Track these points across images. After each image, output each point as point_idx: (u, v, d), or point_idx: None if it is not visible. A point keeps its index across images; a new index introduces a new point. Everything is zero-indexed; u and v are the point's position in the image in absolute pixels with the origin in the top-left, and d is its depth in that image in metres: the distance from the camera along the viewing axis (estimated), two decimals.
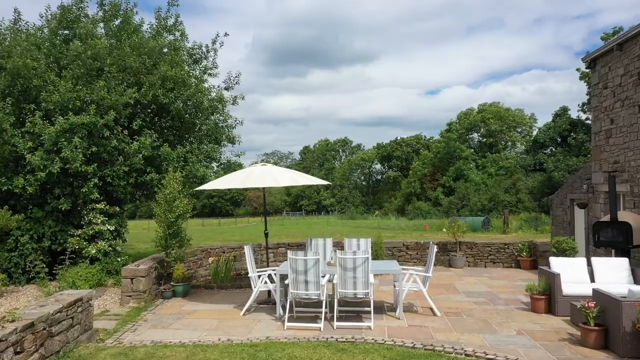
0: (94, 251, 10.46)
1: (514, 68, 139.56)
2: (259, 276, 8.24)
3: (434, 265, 13.62)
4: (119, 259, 10.82)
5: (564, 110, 47.76)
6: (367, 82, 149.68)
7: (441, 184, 52.88)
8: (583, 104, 43.65)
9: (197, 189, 9.29)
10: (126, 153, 10.60)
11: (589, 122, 43.40)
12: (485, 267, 13.01)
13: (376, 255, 12.72)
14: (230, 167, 14.24)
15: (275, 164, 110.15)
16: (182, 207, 9.48)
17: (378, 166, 79.53)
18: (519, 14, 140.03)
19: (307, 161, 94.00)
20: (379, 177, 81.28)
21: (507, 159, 50.55)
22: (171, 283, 9.36)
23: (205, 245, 12.79)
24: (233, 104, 13.47)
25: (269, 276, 8.13)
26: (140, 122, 10.98)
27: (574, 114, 46.73)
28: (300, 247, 13.73)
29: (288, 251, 7.17)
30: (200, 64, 13.26)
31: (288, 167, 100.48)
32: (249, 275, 8.22)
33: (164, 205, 9.32)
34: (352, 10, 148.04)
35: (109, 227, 10.86)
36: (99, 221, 10.70)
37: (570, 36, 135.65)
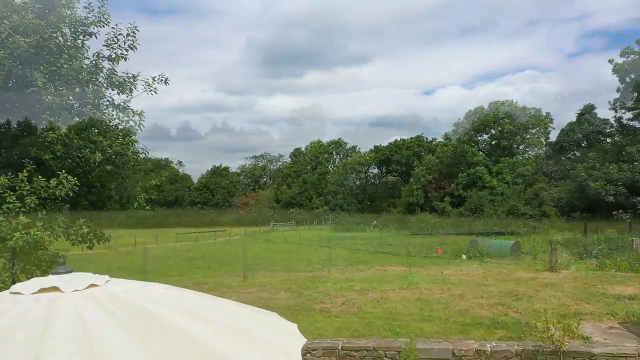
0: None
1: (508, 69, 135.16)
2: None
3: None
4: None
5: (590, 109, 41.85)
6: (362, 83, 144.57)
7: (449, 192, 46.59)
8: (615, 101, 37.68)
9: None
10: None
11: (624, 121, 37.44)
12: None
13: None
14: (136, 210, 8.04)
15: (265, 167, 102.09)
16: None
17: (375, 170, 73.11)
18: (514, 16, 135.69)
19: (299, 164, 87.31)
20: (376, 182, 74.82)
21: (524, 165, 44.40)
22: None
23: None
24: (129, 84, 7.07)
25: None
26: None
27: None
28: None
29: None
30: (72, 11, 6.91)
31: (278, 170, 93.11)
32: None
33: None
34: (348, 12, 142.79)
35: None
36: None
37: (563, 38, 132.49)
